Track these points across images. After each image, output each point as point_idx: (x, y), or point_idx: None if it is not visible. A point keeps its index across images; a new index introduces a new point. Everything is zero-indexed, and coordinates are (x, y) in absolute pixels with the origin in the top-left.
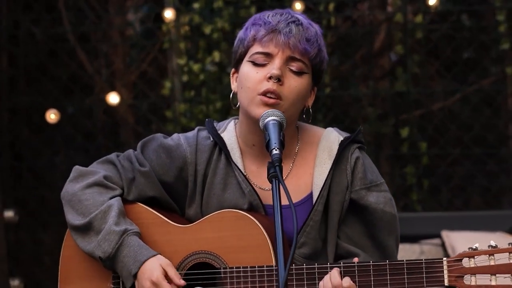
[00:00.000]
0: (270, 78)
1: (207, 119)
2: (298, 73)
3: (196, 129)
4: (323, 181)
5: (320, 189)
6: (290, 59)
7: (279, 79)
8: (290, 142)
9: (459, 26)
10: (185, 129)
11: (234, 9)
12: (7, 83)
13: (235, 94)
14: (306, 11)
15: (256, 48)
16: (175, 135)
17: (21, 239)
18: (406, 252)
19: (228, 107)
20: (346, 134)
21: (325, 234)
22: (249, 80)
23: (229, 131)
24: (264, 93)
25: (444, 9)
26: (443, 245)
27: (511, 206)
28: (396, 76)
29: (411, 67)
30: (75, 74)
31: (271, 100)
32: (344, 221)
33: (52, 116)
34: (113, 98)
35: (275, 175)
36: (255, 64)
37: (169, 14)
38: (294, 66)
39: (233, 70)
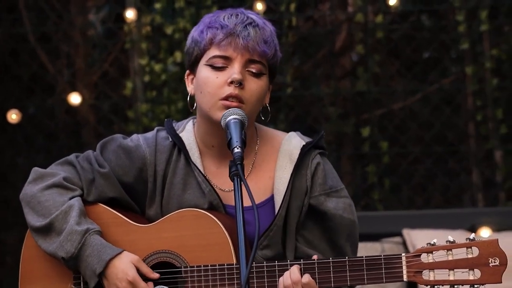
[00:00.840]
0: (231, 82)
1: (166, 119)
2: (258, 75)
3: (155, 129)
4: (285, 186)
5: (283, 195)
6: (249, 62)
7: (240, 83)
8: (249, 142)
9: (419, 26)
10: (147, 129)
11: (195, 9)
12: None
13: (192, 96)
14: (268, 11)
15: (214, 52)
16: (134, 136)
17: None
18: (368, 250)
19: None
20: (308, 139)
21: (284, 238)
22: (209, 85)
23: (188, 131)
24: (226, 98)
25: (404, 9)
26: (404, 243)
27: (471, 204)
28: (357, 75)
29: (372, 66)
30: (37, 75)
31: (234, 104)
32: (304, 225)
33: (13, 116)
34: (75, 99)
35: (237, 173)
36: (214, 68)
37: (130, 14)
38: (254, 68)
39: (188, 71)
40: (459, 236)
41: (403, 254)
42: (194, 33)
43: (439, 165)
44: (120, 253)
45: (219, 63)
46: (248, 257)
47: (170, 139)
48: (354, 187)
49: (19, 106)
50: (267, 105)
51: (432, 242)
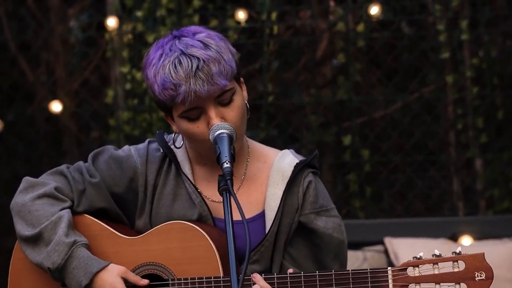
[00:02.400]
0: None
1: (158, 131)
2: (230, 101)
3: (147, 141)
4: (278, 203)
5: (275, 211)
6: (217, 98)
7: None
8: (240, 156)
9: (400, 35)
10: (128, 137)
11: (177, 18)
12: None
13: (177, 134)
14: (249, 19)
15: (181, 108)
16: (126, 147)
17: None
18: (350, 259)
19: None
20: (301, 158)
21: (272, 254)
22: (195, 135)
23: (179, 144)
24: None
25: (385, 18)
26: (386, 251)
27: (452, 212)
28: (338, 84)
29: (353, 75)
30: (17, 83)
31: None
32: (291, 242)
33: None
34: (56, 107)
35: (227, 188)
36: (190, 119)
37: (112, 22)
38: (225, 99)
39: (164, 114)
40: (441, 244)
41: (389, 268)
42: (154, 91)
43: (420, 173)
44: (106, 265)
45: (193, 115)
46: (238, 271)
47: (162, 151)
48: (335, 195)
49: None
50: (247, 101)
51: (418, 256)
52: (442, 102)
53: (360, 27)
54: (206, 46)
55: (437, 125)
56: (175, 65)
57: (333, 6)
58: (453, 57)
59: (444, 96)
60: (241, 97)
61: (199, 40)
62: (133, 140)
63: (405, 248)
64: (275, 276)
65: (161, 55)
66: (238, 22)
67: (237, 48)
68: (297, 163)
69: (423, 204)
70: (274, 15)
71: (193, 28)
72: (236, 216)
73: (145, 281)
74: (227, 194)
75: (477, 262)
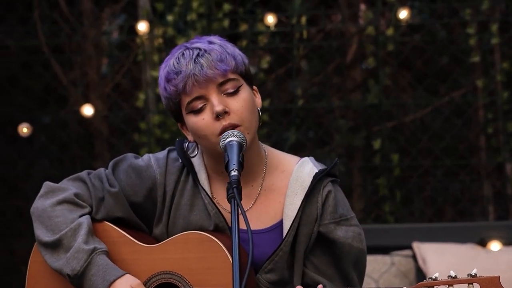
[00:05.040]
0: (217, 116)
1: (177, 139)
2: (235, 91)
3: (167, 150)
4: (295, 212)
5: (292, 220)
6: (220, 87)
7: (225, 112)
8: (258, 165)
9: (430, 38)
10: (159, 141)
11: (207, 22)
12: None
13: (192, 143)
14: (279, 23)
15: (186, 99)
16: (145, 156)
17: None
18: (378, 263)
19: None
20: (321, 166)
21: (292, 263)
22: (202, 128)
23: (198, 155)
24: (222, 132)
25: (415, 22)
26: (414, 256)
27: (482, 217)
28: (368, 88)
29: (383, 79)
30: (50, 86)
31: (232, 132)
32: (312, 252)
33: (24, 130)
34: (87, 110)
35: (233, 196)
36: (195, 112)
37: (142, 26)
38: (229, 88)
39: (179, 124)
40: (468, 249)
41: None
42: (161, 91)
43: (450, 177)
44: (123, 275)
45: (197, 105)
46: (251, 284)
47: (180, 161)
48: (365, 199)
49: (32, 117)
50: (259, 109)
51: (433, 277)
52: (472, 106)
53: (390, 31)
54: (211, 42)
55: (468, 129)
56: (178, 58)
57: (364, 9)
58: (483, 61)
59: (475, 100)
60: (249, 93)
61: (206, 40)
62: (164, 144)
63: (433, 253)
64: None
65: (169, 58)
66: (268, 26)
67: (268, 52)
68: (316, 173)
69: (453, 209)
70: (304, 19)
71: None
72: (252, 226)
73: None
74: (235, 202)
75: (492, 285)
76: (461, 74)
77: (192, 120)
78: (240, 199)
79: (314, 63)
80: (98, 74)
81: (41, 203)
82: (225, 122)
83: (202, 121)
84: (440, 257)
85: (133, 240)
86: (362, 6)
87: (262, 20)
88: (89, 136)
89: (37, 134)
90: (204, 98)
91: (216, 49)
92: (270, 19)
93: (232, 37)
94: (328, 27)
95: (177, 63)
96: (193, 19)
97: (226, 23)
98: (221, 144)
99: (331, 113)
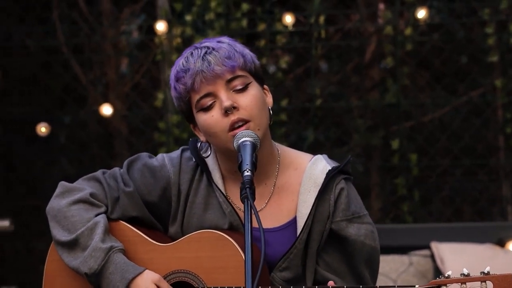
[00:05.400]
0: (226, 112)
1: (191, 139)
2: (244, 88)
3: (180, 149)
4: (309, 210)
5: (306, 218)
6: (228, 83)
7: (233, 107)
8: (270, 164)
9: (449, 38)
10: (177, 140)
11: (225, 21)
12: (0, 95)
13: (205, 143)
14: (297, 23)
15: (195, 97)
16: (159, 156)
17: (17, 248)
18: (395, 263)
19: None
20: (334, 164)
21: (305, 260)
22: (211, 126)
23: (211, 154)
24: (232, 128)
25: (433, 21)
26: (432, 256)
27: (501, 217)
28: (386, 87)
29: (401, 78)
30: (69, 86)
31: (242, 128)
32: (325, 249)
33: (42, 129)
34: (106, 110)
35: (246, 196)
36: (205, 109)
37: (161, 26)
38: (237, 84)
39: (191, 125)
40: (486, 249)
41: (416, 286)
42: (172, 92)
43: (469, 177)
44: (142, 272)
45: (206, 103)
46: (264, 281)
47: (194, 160)
48: (383, 199)
49: (51, 117)
50: (270, 107)
51: (446, 275)
52: (491, 105)
53: (408, 31)
54: (220, 41)
55: (486, 129)
56: (187, 57)
57: (383, 9)
58: (502, 60)
59: (493, 100)
60: (258, 90)
61: (215, 40)
62: (182, 143)
63: (451, 253)
64: None
65: (179, 59)
66: (286, 26)
67: (286, 51)
68: (329, 170)
69: (472, 209)
70: (322, 19)
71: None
72: (263, 224)
73: None
74: (248, 202)
75: (505, 282)
76: (479, 73)
77: (202, 117)
78: (253, 199)
79: (333, 62)
80: (117, 74)
81: (57, 203)
82: (234, 117)
83: (212, 118)
84: (458, 257)
85: (148, 239)
86: (381, 6)
87: (280, 19)
88: (108, 135)
89: (57, 134)
90: (213, 95)
91: (224, 47)
92: (288, 18)
93: (250, 37)
94: (347, 27)
95: (186, 62)
96: (211, 18)
97: (244, 22)
98: (234, 144)
99: (349, 113)
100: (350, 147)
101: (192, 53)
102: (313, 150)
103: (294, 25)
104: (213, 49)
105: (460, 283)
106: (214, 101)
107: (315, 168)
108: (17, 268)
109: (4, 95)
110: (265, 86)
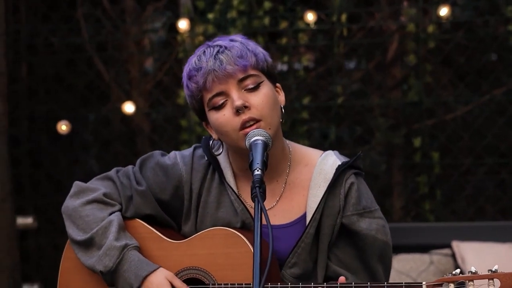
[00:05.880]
0: (237, 111)
1: (204, 137)
2: (256, 87)
3: (193, 147)
4: (317, 204)
5: (313, 212)
6: (240, 82)
7: (245, 106)
8: (282, 161)
9: (472, 36)
10: (199, 138)
11: (247, 20)
12: (26, 92)
13: (217, 141)
14: (319, 21)
15: (207, 95)
16: (172, 154)
17: (41, 245)
18: (416, 262)
19: None
20: (344, 159)
21: (316, 255)
22: (223, 124)
23: (223, 152)
24: (243, 127)
25: (456, 19)
26: (453, 255)
27: None
28: (409, 85)
29: (423, 76)
30: (93, 83)
31: (253, 127)
32: (336, 244)
33: (63, 127)
34: (128, 108)
35: (256, 195)
36: (217, 108)
37: (183, 24)
38: (249, 84)
39: (204, 123)
40: (508, 249)
41: (424, 283)
42: (185, 90)
43: (491, 176)
44: (156, 269)
45: (218, 101)
46: (273, 277)
47: (206, 158)
48: (405, 197)
49: (75, 115)
50: (282, 106)
51: (454, 272)
52: None
53: (431, 28)
54: (232, 40)
55: (510, 127)
56: (199, 56)
57: (406, 6)
58: None
59: None
60: (270, 89)
61: (228, 38)
62: None
63: (472, 252)
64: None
65: (192, 57)
66: (308, 24)
67: (308, 49)
68: (339, 165)
69: (494, 208)
70: (344, 17)
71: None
72: (275, 221)
73: None
74: (258, 201)
75: None
76: (503, 71)
77: (214, 116)
78: (264, 198)
79: (355, 60)
80: (140, 71)
81: (72, 203)
82: (245, 116)
83: (223, 117)
84: (479, 256)
85: (161, 237)
86: (405, 4)
87: (302, 18)
88: (131, 133)
89: (81, 132)
90: (224, 94)
91: (236, 46)
92: (310, 16)
93: (272, 35)
94: (369, 25)
95: (198, 61)
96: (234, 17)
97: (266, 21)
98: (246, 143)
99: (371, 111)
100: (372, 145)
101: (204, 52)
102: (335, 148)
103: (316, 23)
104: (226, 47)
105: (467, 280)
106: (226, 100)
107: (325, 163)
108: (40, 265)
109: (30, 93)
110: (278, 85)
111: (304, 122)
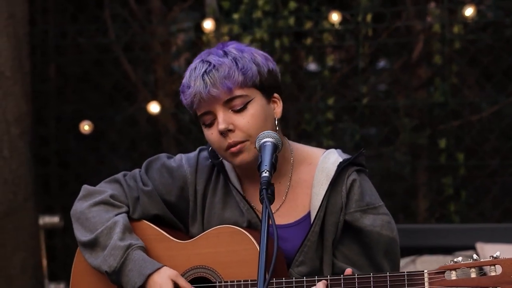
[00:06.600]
0: (221, 134)
1: None
2: (242, 108)
3: (198, 149)
4: (320, 202)
5: (317, 210)
6: (227, 103)
7: (228, 130)
8: (284, 162)
9: (498, 36)
10: None
11: (272, 20)
12: (54, 92)
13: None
14: (344, 21)
15: (198, 112)
16: (178, 156)
17: (67, 244)
18: (439, 263)
19: None
20: (346, 156)
21: (322, 253)
22: (211, 142)
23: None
24: (228, 147)
25: (482, 19)
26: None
27: None
28: (434, 86)
29: (449, 77)
30: (119, 83)
31: (237, 149)
32: (342, 241)
33: (86, 127)
34: (154, 107)
35: (263, 198)
36: (206, 125)
37: (208, 24)
38: (235, 105)
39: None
40: None
41: (425, 271)
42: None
43: None
44: (160, 268)
45: (207, 120)
46: (280, 276)
47: (211, 160)
48: (429, 198)
49: (101, 115)
50: (276, 118)
51: (455, 260)
52: None
53: (456, 29)
54: (225, 54)
55: None
56: (191, 72)
57: (432, 6)
58: None
59: None
60: (259, 106)
61: (223, 50)
62: None
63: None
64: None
65: (191, 65)
66: (333, 24)
67: (333, 49)
68: (340, 162)
69: None
70: (369, 17)
71: (233, 43)
72: (280, 221)
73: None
74: (265, 203)
75: None
76: None
77: (205, 132)
78: (273, 199)
79: (380, 61)
80: (166, 71)
81: (79, 206)
82: (229, 139)
83: (212, 136)
84: None
85: (168, 237)
86: (432, 4)
87: (327, 18)
88: (157, 133)
89: (107, 131)
90: (212, 113)
91: (226, 63)
92: (335, 16)
93: (297, 35)
94: (394, 25)
95: (189, 77)
96: (259, 17)
97: (291, 20)
98: (256, 144)
99: (396, 112)
100: (396, 146)
101: (195, 68)
102: (359, 148)
103: (341, 23)
104: (214, 66)
105: (469, 267)
106: (215, 119)
107: (327, 161)
108: (67, 264)
109: (57, 93)
110: (275, 95)
111: (329, 123)
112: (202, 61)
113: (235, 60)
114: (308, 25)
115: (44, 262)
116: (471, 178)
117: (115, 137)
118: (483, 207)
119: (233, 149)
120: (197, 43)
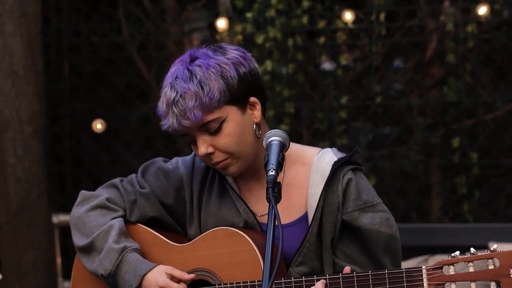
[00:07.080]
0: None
1: None
2: (217, 129)
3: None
4: (316, 202)
5: (314, 211)
6: (202, 127)
7: (208, 153)
8: None
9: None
10: None
11: (286, 19)
12: (68, 91)
13: None
14: (357, 20)
15: (179, 134)
16: (174, 159)
17: None
18: None
19: (281, 115)
20: (341, 155)
21: (321, 253)
22: (200, 157)
23: None
24: (214, 165)
25: (496, 18)
26: None
27: None
28: (448, 85)
29: (463, 76)
30: (133, 82)
31: (221, 166)
32: (341, 240)
33: (98, 126)
34: None
35: (269, 197)
36: (190, 143)
37: (222, 23)
38: (210, 128)
39: None
40: None
41: (423, 267)
42: None
43: None
44: (154, 267)
45: (188, 139)
46: (281, 275)
47: None
48: (443, 197)
49: (115, 113)
50: (255, 123)
51: (453, 254)
52: None
53: (470, 27)
54: (191, 76)
55: None
56: (164, 95)
57: (447, 5)
58: None
59: None
60: (234, 124)
61: (188, 69)
62: None
63: None
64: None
65: (168, 77)
66: (346, 23)
67: (346, 48)
68: (335, 161)
69: None
70: (382, 16)
71: (203, 52)
72: (283, 220)
73: (190, 276)
74: (271, 202)
75: (511, 259)
76: None
77: (192, 147)
78: (280, 198)
79: (393, 60)
80: None
81: (77, 211)
82: (212, 161)
83: (197, 152)
84: None
85: (166, 241)
86: (446, 3)
87: (340, 17)
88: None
89: (120, 130)
90: (191, 135)
91: (191, 90)
92: (348, 16)
93: (311, 34)
94: (408, 24)
95: (162, 103)
96: (272, 16)
97: (305, 19)
98: (264, 143)
99: (410, 111)
100: (410, 145)
101: (166, 94)
102: (372, 148)
103: (354, 22)
104: (181, 96)
105: (467, 261)
106: (195, 139)
107: (322, 161)
108: None
109: (72, 91)
110: (252, 99)
111: (342, 122)
112: (171, 85)
113: (200, 84)
114: (322, 24)
115: (58, 260)
116: (485, 177)
117: (129, 135)
118: (496, 206)
119: (218, 166)
120: (211, 43)
